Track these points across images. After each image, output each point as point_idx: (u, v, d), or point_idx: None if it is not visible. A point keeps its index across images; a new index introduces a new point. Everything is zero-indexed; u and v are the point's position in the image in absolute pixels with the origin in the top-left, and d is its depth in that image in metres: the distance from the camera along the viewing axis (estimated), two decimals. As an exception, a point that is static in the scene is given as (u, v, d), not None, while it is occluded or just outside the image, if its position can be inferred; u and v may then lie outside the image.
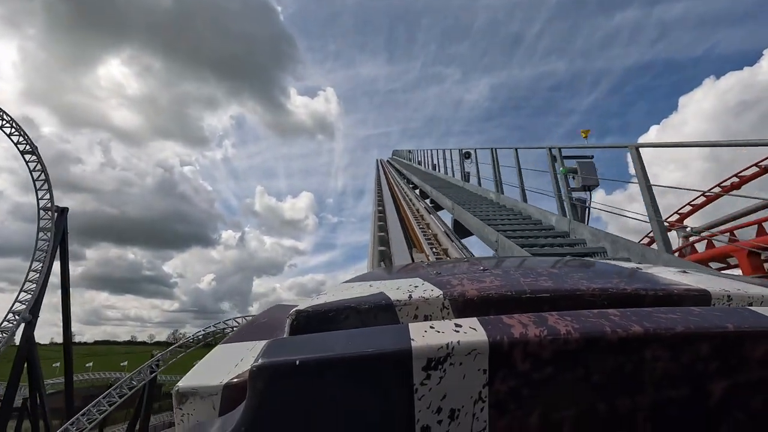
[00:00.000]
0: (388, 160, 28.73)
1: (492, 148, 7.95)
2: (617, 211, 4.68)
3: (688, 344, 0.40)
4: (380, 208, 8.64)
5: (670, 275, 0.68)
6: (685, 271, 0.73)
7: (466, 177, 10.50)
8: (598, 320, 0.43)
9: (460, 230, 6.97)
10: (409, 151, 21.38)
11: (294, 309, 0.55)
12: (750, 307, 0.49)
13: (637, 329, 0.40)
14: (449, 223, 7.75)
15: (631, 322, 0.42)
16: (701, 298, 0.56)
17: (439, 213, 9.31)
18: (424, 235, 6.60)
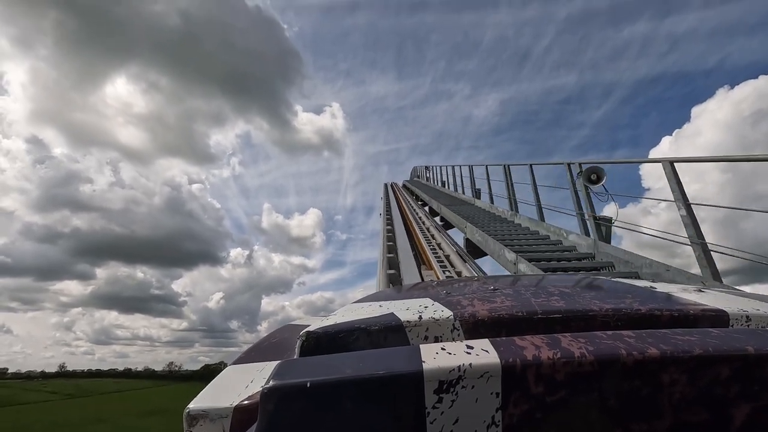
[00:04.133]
0: (404, 185, 20.94)
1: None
2: (650, 231, 4.08)
3: (706, 367, 0.40)
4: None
5: (686, 294, 0.68)
6: (701, 290, 0.73)
7: (606, 236, 4.67)
8: (612, 342, 0.44)
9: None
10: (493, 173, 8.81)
11: (304, 330, 0.57)
12: None
13: (653, 352, 0.41)
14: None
15: (647, 345, 0.42)
16: (719, 318, 0.56)
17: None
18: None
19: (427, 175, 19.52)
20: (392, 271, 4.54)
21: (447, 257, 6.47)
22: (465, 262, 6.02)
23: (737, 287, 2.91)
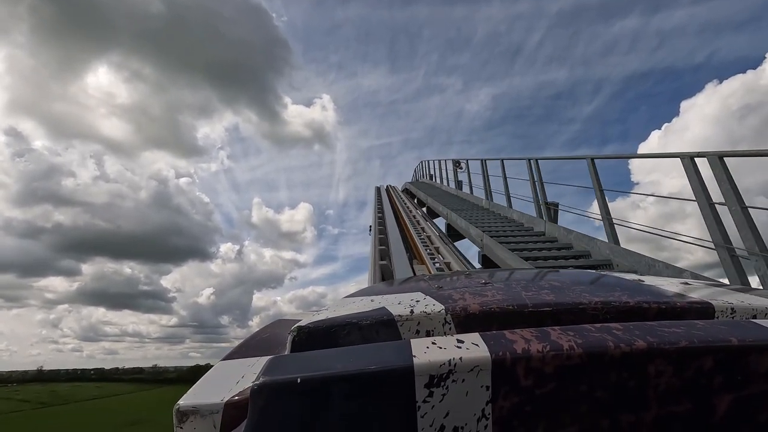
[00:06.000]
0: (405, 188, 14.58)
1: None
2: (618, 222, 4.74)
3: (692, 358, 0.42)
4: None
5: (673, 287, 0.70)
6: (687, 283, 0.76)
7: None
8: (600, 335, 0.45)
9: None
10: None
11: (295, 325, 0.57)
12: (754, 320, 0.51)
13: (640, 344, 0.42)
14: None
15: (635, 337, 0.44)
16: (704, 310, 0.58)
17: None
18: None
19: (459, 178, 10.79)
20: (384, 262, 4.61)
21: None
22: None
23: (722, 280, 3.00)
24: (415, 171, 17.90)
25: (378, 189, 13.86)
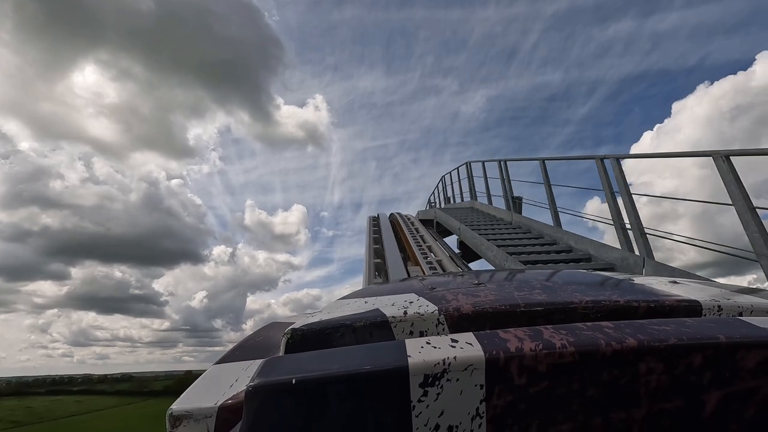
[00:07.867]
0: (424, 223, 7.70)
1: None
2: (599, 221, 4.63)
3: (681, 356, 0.43)
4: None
5: (661, 286, 0.73)
6: (675, 281, 0.78)
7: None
8: (592, 333, 0.46)
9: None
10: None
11: (289, 327, 0.58)
12: (740, 317, 0.54)
13: (631, 342, 0.44)
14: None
15: (625, 335, 0.45)
16: (692, 308, 0.61)
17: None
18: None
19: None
20: (378, 260, 4.64)
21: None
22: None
23: (712, 279, 3.04)
24: (443, 181, 9.87)
25: (374, 222, 7.61)
